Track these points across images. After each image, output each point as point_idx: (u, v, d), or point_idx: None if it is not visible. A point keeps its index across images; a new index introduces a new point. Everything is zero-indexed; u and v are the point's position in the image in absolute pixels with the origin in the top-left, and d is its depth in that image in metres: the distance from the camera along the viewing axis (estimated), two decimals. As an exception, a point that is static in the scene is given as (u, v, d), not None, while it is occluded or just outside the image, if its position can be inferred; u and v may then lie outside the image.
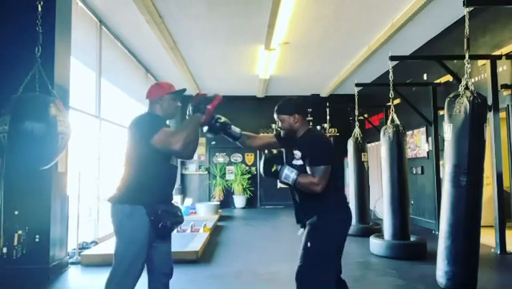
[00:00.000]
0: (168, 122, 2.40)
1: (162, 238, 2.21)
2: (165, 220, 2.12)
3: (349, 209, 2.35)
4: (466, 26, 3.39)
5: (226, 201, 11.29)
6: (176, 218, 2.20)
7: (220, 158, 11.82)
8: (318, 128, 10.17)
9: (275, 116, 2.37)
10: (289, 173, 2.18)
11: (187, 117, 2.22)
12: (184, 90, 2.38)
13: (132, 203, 2.11)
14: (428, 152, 7.12)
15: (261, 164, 2.29)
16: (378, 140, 6.50)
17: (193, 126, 2.15)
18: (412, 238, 4.92)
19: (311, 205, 2.24)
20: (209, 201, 11.11)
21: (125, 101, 7.71)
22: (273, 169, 2.21)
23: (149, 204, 2.11)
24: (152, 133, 2.08)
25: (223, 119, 2.44)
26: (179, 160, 2.47)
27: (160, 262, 2.24)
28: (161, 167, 2.17)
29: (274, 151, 2.35)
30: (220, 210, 9.32)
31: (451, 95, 3.39)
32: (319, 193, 2.16)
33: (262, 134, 2.47)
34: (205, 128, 2.39)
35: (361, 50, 7.48)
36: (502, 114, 5.21)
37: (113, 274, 2.10)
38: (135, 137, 2.16)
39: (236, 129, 2.48)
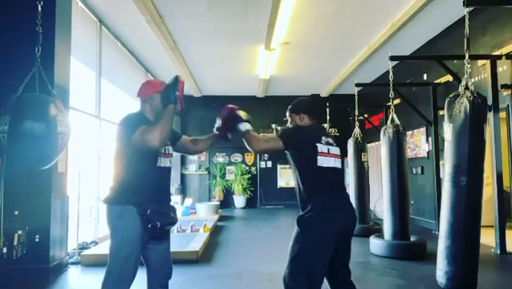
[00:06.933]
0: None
1: (157, 239, 2.17)
2: (155, 220, 2.08)
3: (330, 213, 2.14)
4: (466, 26, 3.39)
5: (226, 201, 11.29)
6: (167, 219, 2.16)
7: (220, 158, 11.81)
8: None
9: (287, 113, 2.44)
10: (241, 127, 2.29)
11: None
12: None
13: (122, 203, 2.09)
14: (428, 152, 7.12)
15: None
16: (378, 140, 6.50)
17: (167, 119, 2.09)
18: (412, 238, 4.92)
19: (301, 205, 2.23)
20: (209, 201, 11.11)
21: (125, 101, 7.70)
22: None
23: (139, 204, 2.08)
24: (131, 134, 2.05)
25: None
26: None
27: (159, 263, 2.22)
28: (148, 168, 2.14)
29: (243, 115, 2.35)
30: (220, 210, 9.32)
31: (451, 95, 3.39)
32: (304, 195, 2.18)
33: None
34: (229, 135, 2.45)
35: (361, 51, 7.48)
36: (502, 114, 5.21)
37: (108, 274, 2.09)
38: (121, 138, 2.14)
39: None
